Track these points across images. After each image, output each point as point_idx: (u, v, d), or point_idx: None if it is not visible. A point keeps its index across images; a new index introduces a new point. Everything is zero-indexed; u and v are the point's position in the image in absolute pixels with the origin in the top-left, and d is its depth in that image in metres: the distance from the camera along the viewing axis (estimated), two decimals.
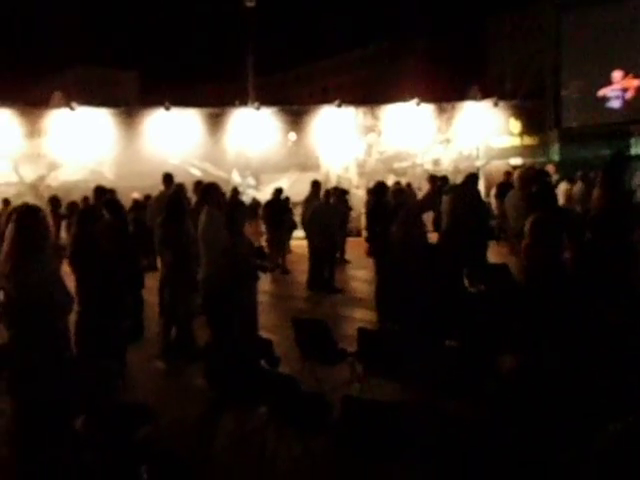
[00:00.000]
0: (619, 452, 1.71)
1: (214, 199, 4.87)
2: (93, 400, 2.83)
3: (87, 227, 3.99)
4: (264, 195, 13.12)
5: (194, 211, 7.21)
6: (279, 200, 10.84)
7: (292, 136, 15.18)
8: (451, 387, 3.37)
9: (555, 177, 12.33)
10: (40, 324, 2.81)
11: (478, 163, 15.43)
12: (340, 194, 11.60)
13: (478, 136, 15.73)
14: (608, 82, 15.50)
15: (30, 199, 10.97)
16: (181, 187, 7.98)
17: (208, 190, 4.97)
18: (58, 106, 14.13)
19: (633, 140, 15.95)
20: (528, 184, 6.89)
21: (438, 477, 2.47)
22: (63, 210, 8.64)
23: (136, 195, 10.75)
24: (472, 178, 7.19)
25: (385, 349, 3.78)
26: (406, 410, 2.57)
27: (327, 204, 9.04)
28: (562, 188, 11.33)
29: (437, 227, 8.21)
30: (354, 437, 2.75)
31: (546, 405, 2.95)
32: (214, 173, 13.98)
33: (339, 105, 15.41)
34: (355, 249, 11.50)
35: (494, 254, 9.33)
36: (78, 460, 2.47)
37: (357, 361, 4.01)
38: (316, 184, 9.19)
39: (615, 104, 15.62)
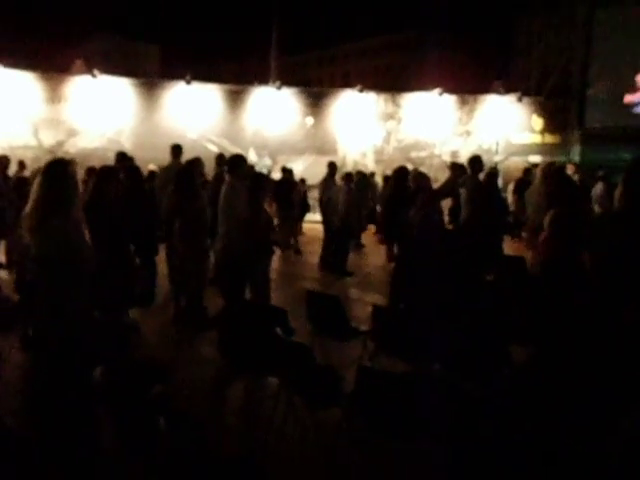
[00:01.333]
0: None
1: (240, 171, 4.86)
2: (111, 352, 2.87)
3: (103, 185, 4.01)
4: (280, 176, 13.13)
5: (213, 182, 7.24)
6: (288, 180, 10.82)
7: (309, 120, 15.13)
8: (464, 369, 3.38)
9: (575, 177, 12.19)
10: (64, 279, 2.80)
11: (497, 158, 15.31)
12: (362, 178, 11.58)
13: (499, 131, 15.59)
14: (633, 85, 15.26)
15: None
16: (198, 160, 8.00)
17: (236, 161, 4.96)
18: (80, 73, 14.16)
19: None
20: (550, 179, 6.85)
21: (449, 453, 2.49)
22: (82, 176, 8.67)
23: (152, 166, 10.78)
24: (476, 162, 7.05)
25: (400, 328, 3.78)
26: (422, 382, 2.58)
27: (347, 188, 9.02)
28: None
29: (454, 218, 8.17)
30: (367, 408, 2.77)
31: (558, 395, 2.95)
32: (231, 150, 13.96)
33: (361, 90, 15.31)
34: (368, 235, 11.53)
35: (510, 249, 9.29)
36: (94, 410, 2.51)
37: (369, 339, 4.03)
38: (332, 165, 9.17)
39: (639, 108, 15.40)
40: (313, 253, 9.39)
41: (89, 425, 2.57)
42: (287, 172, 10.92)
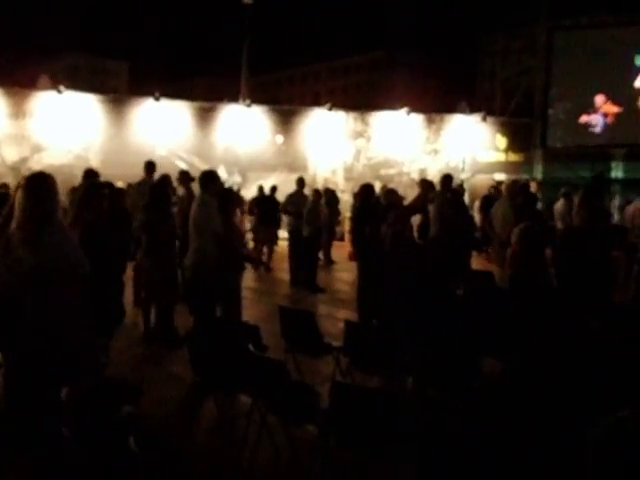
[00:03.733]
0: (614, 443, 1.75)
1: (213, 187, 4.82)
2: (79, 372, 2.78)
3: (89, 201, 3.91)
4: (249, 193, 13.11)
5: (183, 199, 7.19)
6: (273, 197, 10.94)
7: (279, 139, 15.19)
8: (436, 382, 3.39)
9: (538, 194, 12.55)
10: (61, 289, 2.74)
11: (463, 176, 15.62)
12: (331, 196, 11.74)
13: (465, 149, 15.94)
14: (592, 105, 15.87)
15: (11, 181, 10.74)
16: (167, 177, 7.95)
17: (209, 177, 4.92)
18: (45, 89, 13.89)
19: (614, 164, 16.36)
20: (515, 195, 7.05)
21: (425, 468, 2.48)
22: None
23: (120, 184, 10.62)
24: (448, 180, 7.33)
25: (373, 343, 3.78)
26: (398, 397, 2.57)
27: (315, 203, 9.07)
28: None
29: (423, 234, 8.27)
30: (342, 424, 2.74)
31: (530, 407, 2.99)
32: (201, 167, 13.77)
33: (330, 108, 15.47)
34: (339, 252, 11.58)
35: (477, 265, 9.44)
36: (61, 431, 2.41)
37: (343, 354, 4.02)
38: (301, 181, 9.27)
39: (597, 128, 15.99)
40: (283, 270, 9.35)
41: (56, 447, 2.47)
42: (272, 190, 11.15)
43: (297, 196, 9.17)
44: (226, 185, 12.38)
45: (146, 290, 5.71)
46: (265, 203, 10.68)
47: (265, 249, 10.67)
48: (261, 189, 11.52)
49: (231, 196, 4.97)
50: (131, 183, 10.55)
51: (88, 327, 2.94)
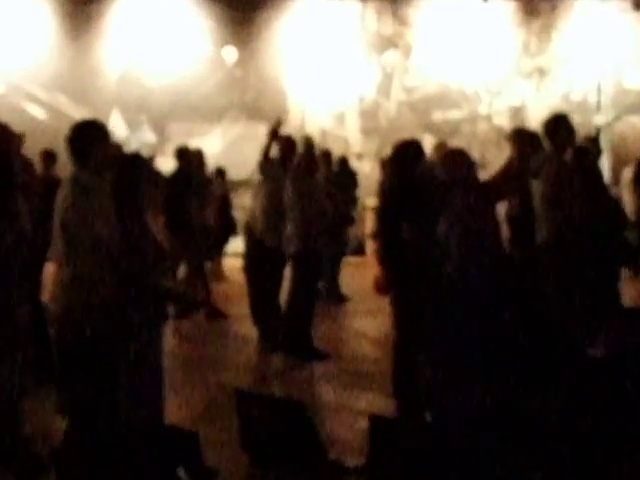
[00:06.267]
0: None
1: (99, 156, 4.86)
2: None
3: None
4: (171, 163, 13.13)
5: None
6: (188, 172, 10.59)
7: (230, 53, 15.24)
8: None
9: None
10: None
11: (599, 119, 15.74)
12: (341, 169, 11.75)
13: (601, 66, 16.07)
14: None
15: None
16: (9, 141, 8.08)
17: (90, 137, 4.93)
18: None
19: None
20: None
21: None
22: None
23: None
24: (566, 128, 7.43)
25: (422, 457, 3.85)
26: None
27: (310, 179, 9.11)
28: None
29: (522, 236, 8.34)
30: None
31: None
32: (71, 114, 13.95)
33: None
34: (356, 278, 11.65)
35: (632, 292, 9.54)
36: None
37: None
38: (308, 144, 9.30)
39: None
40: (245, 316, 9.41)
41: None
42: (185, 157, 10.75)
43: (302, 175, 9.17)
44: (127, 149, 12.48)
45: None
46: (174, 185, 10.23)
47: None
48: (183, 155, 11.03)
49: (138, 172, 5.00)
50: None
51: None
